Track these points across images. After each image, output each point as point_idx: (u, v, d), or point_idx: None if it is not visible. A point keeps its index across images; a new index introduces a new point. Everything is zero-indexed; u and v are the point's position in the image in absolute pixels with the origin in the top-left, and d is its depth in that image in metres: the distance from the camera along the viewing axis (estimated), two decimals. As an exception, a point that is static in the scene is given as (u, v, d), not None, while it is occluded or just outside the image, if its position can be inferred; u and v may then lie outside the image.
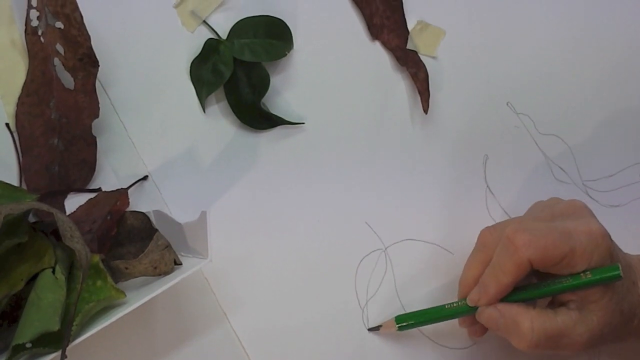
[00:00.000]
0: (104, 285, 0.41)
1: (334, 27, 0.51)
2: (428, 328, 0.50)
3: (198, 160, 0.48)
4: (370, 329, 0.49)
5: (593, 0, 0.55)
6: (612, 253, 0.43)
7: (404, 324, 0.47)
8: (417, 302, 0.50)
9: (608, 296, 0.43)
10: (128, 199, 0.46)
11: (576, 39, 0.55)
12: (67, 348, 0.38)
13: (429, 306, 0.48)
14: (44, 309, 0.39)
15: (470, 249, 0.50)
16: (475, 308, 0.45)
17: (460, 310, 0.46)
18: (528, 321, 0.43)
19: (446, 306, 0.46)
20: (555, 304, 0.45)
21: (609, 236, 0.44)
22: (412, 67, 0.51)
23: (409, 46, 0.51)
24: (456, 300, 0.47)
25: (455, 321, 0.48)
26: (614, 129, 0.55)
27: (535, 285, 0.45)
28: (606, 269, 0.42)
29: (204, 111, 0.48)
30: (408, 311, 0.49)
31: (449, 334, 0.50)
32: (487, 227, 0.47)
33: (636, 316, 0.44)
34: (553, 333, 0.43)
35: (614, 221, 0.47)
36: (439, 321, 0.47)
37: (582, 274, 0.43)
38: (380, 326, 0.49)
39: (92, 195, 0.46)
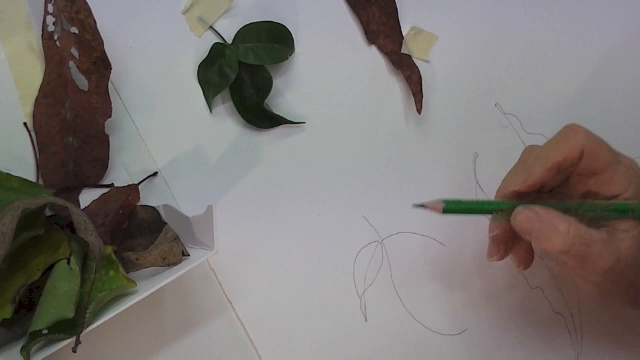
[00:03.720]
0: (116, 275, 0.41)
1: (333, 33, 0.51)
2: (423, 314, 0.50)
3: (205, 158, 0.48)
4: (415, 205, 0.44)
5: (578, 6, 0.54)
6: None
7: (450, 207, 0.43)
8: (413, 292, 0.50)
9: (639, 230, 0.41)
10: (139, 194, 0.46)
11: (561, 43, 0.55)
12: (82, 334, 0.38)
13: (426, 298, 0.48)
14: (59, 297, 0.39)
15: (462, 241, 0.50)
16: (514, 206, 0.42)
17: (502, 206, 0.43)
18: (565, 224, 0.40)
19: (487, 199, 0.44)
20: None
21: None
22: (407, 70, 0.51)
23: (404, 51, 0.51)
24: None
25: (448, 308, 0.48)
26: (597, 129, 0.53)
27: (578, 202, 0.42)
28: None
29: (211, 111, 0.48)
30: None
31: (443, 320, 0.50)
32: (532, 145, 0.45)
33: None
34: (586, 238, 0.40)
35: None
36: (480, 213, 0.44)
37: (628, 202, 0.41)
38: (423, 205, 0.44)
39: (105, 190, 0.46)
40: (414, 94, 0.51)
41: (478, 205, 0.44)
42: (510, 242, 0.45)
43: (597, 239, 0.41)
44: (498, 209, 0.43)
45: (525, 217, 0.42)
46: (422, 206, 0.44)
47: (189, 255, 0.44)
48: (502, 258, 0.46)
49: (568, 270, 0.43)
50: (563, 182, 0.43)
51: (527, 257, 0.46)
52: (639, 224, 0.41)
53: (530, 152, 0.44)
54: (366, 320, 0.49)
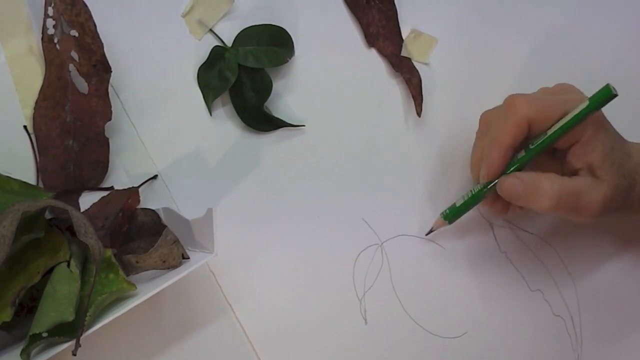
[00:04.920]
0: (116, 278, 0.41)
1: (333, 36, 0.51)
2: (423, 317, 0.50)
3: (205, 160, 0.48)
4: (427, 234, 0.49)
5: (579, 8, 0.54)
6: (604, 122, 0.43)
7: (451, 215, 0.48)
8: (412, 294, 0.50)
9: (609, 161, 0.43)
10: (139, 196, 0.46)
11: (561, 44, 0.54)
12: (81, 337, 0.38)
13: (426, 300, 0.48)
14: (59, 300, 0.39)
15: (460, 243, 0.50)
16: (495, 183, 0.45)
17: (489, 186, 0.45)
18: (548, 181, 0.42)
19: (472, 191, 0.46)
20: (567, 174, 0.44)
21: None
22: (406, 73, 0.51)
23: (403, 53, 0.51)
24: (474, 184, 0.47)
25: (448, 311, 0.48)
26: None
27: (536, 140, 0.44)
28: (599, 92, 0.42)
29: (211, 114, 0.48)
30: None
31: (442, 323, 0.50)
32: (487, 110, 0.47)
33: (636, 183, 0.44)
34: (571, 191, 0.42)
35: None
36: (475, 204, 0.47)
37: (577, 108, 0.42)
38: (432, 230, 0.49)
39: (105, 193, 0.46)
40: (413, 97, 0.51)
41: (471, 200, 0.46)
42: (504, 202, 0.47)
43: (583, 186, 0.42)
44: (487, 190, 0.45)
45: (509, 184, 0.44)
46: (431, 231, 0.49)
47: (188, 258, 0.44)
48: (503, 215, 0.47)
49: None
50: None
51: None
52: (607, 155, 0.42)
53: (485, 123, 0.46)
54: (366, 322, 0.49)
